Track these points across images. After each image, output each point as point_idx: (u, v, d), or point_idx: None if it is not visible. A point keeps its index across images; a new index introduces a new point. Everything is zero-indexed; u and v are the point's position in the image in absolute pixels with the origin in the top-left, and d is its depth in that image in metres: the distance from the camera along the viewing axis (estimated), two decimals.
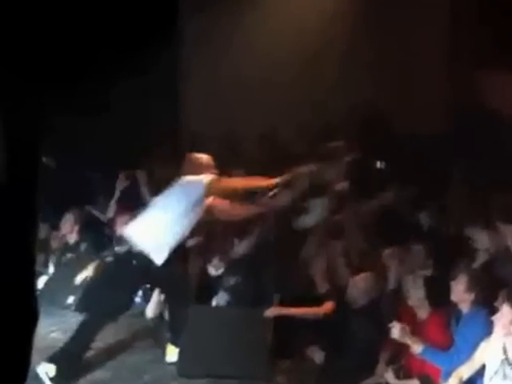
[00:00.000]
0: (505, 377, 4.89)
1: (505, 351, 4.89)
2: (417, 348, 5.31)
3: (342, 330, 5.94)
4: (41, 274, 7.31)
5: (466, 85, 9.34)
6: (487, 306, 5.22)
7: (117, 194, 8.01)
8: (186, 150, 6.77)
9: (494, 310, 5.05)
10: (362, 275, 6.17)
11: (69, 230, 7.82)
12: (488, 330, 5.04)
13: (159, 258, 5.79)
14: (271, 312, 6.18)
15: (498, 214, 6.38)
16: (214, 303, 6.85)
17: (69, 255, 7.72)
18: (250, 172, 6.87)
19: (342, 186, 7.46)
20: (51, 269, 7.72)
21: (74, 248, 7.76)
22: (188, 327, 6.06)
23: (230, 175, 6.56)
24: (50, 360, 5.61)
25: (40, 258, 7.28)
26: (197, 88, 10.27)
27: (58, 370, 5.59)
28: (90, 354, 6.06)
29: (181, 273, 6.47)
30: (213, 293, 6.92)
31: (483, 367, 5.01)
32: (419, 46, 9.59)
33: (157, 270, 5.92)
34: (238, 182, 6.19)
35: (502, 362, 4.89)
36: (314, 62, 9.82)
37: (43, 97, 2.38)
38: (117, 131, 8.58)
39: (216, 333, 6.04)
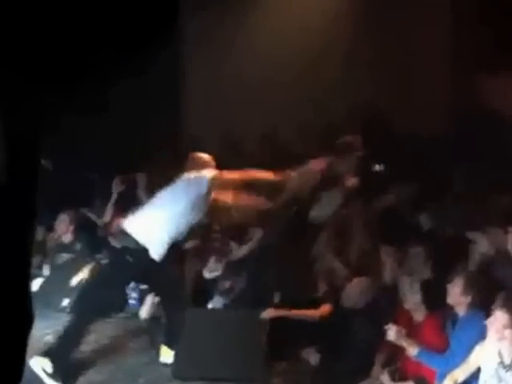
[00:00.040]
0: (500, 380, 4.89)
1: (500, 355, 4.89)
2: (412, 350, 5.31)
3: (338, 331, 5.94)
4: (36, 276, 7.29)
5: (467, 85, 9.33)
6: (484, 309, 5.22)
7: (114, 197, 8.01)
8: (186, 150, 6.76)
9: (490, 314, 5.04)
10: (357, 280, 6.18)
11: (64, 231, 7.81)
12: (484, 334, 5.02)
13: (157, 253, 5.78)
14: (267, 314, 6.19)
15: (498, 217, 6.39)
16: (210, 306, 6.86)
17: (64, 255, 7.71)
18: None
19: (353, 181, 7.49)
20: (46, 271, 7.71)
21: (69, 248, 7.75)
22: (183, 329, 6.06)
23: None
24: (45, 354, 5.61)
25: (35, 259, 7.26)
26: (197, 87, 10.28)
27: (54, 366, 5.59)
28: (84, 356, 6.07)
29: (176, 275, 6.48)
30: (209, 296, 6.94)
31: (478, 370, 5.01)
32: (420, 46, 9.58)
33: (152, 272, 5.93)
34: (241, 175, 6.16)
35: (498, 365, 4.89)
36: (315, 61, 9.81)
37: (43, 97, 2.38)
38: (116, 132, 8.57)
39: (211, 335, 6.04)
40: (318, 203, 7.43)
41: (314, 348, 6.12)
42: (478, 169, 7.56)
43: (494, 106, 8.75)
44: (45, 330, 6.39)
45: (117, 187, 8.00)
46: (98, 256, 7.56)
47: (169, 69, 9.45)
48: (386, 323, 5.43)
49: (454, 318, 5.45)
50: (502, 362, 4.88)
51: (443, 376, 5.14)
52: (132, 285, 7.11)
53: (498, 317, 4.86)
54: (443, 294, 5.40)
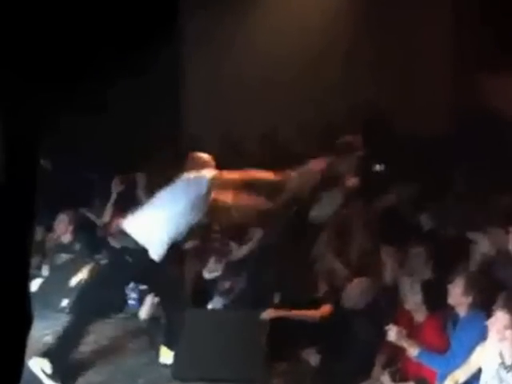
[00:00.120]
0: (501, 381, 4.87)
1: (501, 355, 4.87)
2: (413, 351, 5.29)
3: (338, 332, 5.92)
4: (35, 276, 7.27)
5: (468, 85, 9.32)
6: (485, 309, 5.20)
7: (113, 197, 7.99)
8: (186, 150, 6.74)
9: (491, 314, 5.03)
10: (357, 280, 6.17)
11: (63, 231, 7.79)
12: (485, 334, 5.01)
13: (157, 254, 5.76)
14: (267, 314, 6.17)
15: (499, 217, 6.37)
16: (209, 306, 6.84)
17: (63, 256, 7.69)
18: None
19: (353, 181, 7.49)
20: (45, 271, 7.69)
21: (68, 248, 7.73)
22: (183, 330, 6.04)
23: None
24: (44, 355, 5.60)
25: (34, 260, 7.25)
26: (197, 87, 10.27)
27: (54, 367, 5.58)
28: (84, 356, 6.06)
29: (176, 275, 6.47)
30: (209, 296, 6.93)
31: (479, 371, 5.00)
32: (421, 46, 9.58)
33: (152, 272, 5.92)
34: (241, 175, 6.14)
35: (499, 366, 4.88)
36: (315, 61, 9.80)
37: (42, 97, 2.37)
38: (115, 132, 8.56)
39: (211, 336, 6.02)
40: (319, 203, 7.43)
41: (314, 349, 6.10)
42: (479, 169, 7.55)
43: (495, 106, 8.74)
44: (44, 331, 6.38)
45: (116, 187, 7.98)
46: (98, 256, 7.54)
47: (169, 68, 9.45)
48: (387, 324, 5.41)
49: (455, 319, 5.43)
50: (503, 363, 4.86)
51: (444, 377, 5.12)
52: (131, 285, 7.10)
53: (499, 317, 4.84)
54: (444, 294, 5.38)
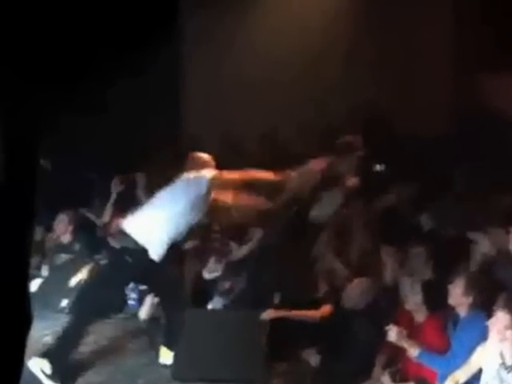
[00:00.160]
0: (501, 381, 4.86)
1: (501, 356, 4.87)
2: (413, 351, 5.28)
3: (338, 332, 5.91)
4: (34, 276, 7.25)
5: (468, 85, 9.31)
6: (485, 309, 5.19)
7: (113, 197, 7.99)
8: (186, 150, 6.74)
9: (492, 314, 5.02)
10: (357, 281, 6.16)
11: (63, 231, 7.78)
12: (485, 335, 5.00)
13: (157, 254, 5.75)
14: (268, 315, 6.15)
15: (500, 217, 6.36)
16: (209, 306, 6.84)
17: (63, 256, 7.68)
18: None
19: (353, 181, 7.50)
20: (45, 271, 7.67)
21: (67, 248, 7.72)
22: (183, 330, 6.03)
23: None
24: (43, 355, 5.59)
25: (34, 260, 7.24)
26: (197, 87, 10.26)
27: (53, 367, 5.58)
28: (83, 357, 6.05)
29: (176, 275, 6.46)
30: (209, 296, 6.92)
31: (480, 371, 4.99)
32: (421, 45, 9.57)
33: (152, 272, 5.91)
34: (241, 175, 6.14)
35: (499, 366, 4.87)
36: (315, 61, 9.79)
37: (42, 97, 2.36)
38: (115, 132, 8.54)
39: (211, 336, 6.01)
40: (319, 203, 7.43)
41: (314, 349, 6.10)
42: (480, 169, 7.54)
43: (496, 106, 8.72)
44: (43, 331, 6.37)
45: (116, 187, 7.98)
46: (97, 257, 7.53)
47: (168, 68, 9.44)
48: (387, 324, 5.40)
49: (456, 319, 5.42)
50: (503, 363, 4.86)
51: (444, 377, 5.11)
52: (131, 285, 7.10)
53: (500, 318, 4.84)
54: (444, 294, 5.38)
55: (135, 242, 5.76)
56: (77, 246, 7.71)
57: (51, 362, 5.60)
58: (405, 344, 5.32)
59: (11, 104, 2.20)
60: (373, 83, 9.49)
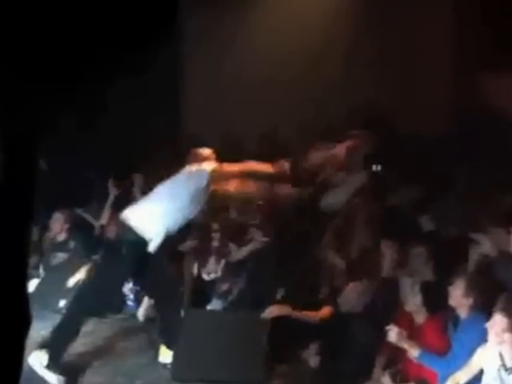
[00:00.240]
0: (502, 382, 4.85)
1: (501, 357, 4.86)
2: (414, 352, 5.27)
3: (338, 333, 5.90)
4: (32, 276, 7.23)
5: (469, 85, 9.30)
6: (486, 311, 5.18)
7: (111, 198, 7.99)
8: (185, 150, 6.73)
9: (492, 316, 5.01)
10: (352, 284, 6.15)
11: (59, 230, 7.78)
12: (485, 336, 4.98)
13: (152, 245, 5.76)
14: (269, 313, 6.14)
15: (501, 217, 6.35)
16: (208, 308, 6.83)
17: (59, 255, 7.67)
18: None
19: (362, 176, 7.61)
20: (42, 271, 7.65)
21: (63, 247, 7.71)
22: (182, 331, 6.02)
23: None
24: (41, 346, 5.62)
25: (31, 259, 7.22)
26: (197, 86, 10.25)
27: (51, 357, 5.60)
28: (82, 357, 6.04)
29: (171, 277, 6.46)
30: (207, 298, 6.91)
31: (480, 372, 4.97)
32: (422, 45, 9.56)
33: (146, 272, 5.94)
34: (241, 167, 6.17)
35: (499, 367, 4.86)
36: (315, 60, 9.78)
37: (41, 97, 2.36)
38: (114, 131, 8.53)
39: (211, 337, 5.99)
40: (333, 191, 7.52)
41: (314, 350, 6.08)
42: (481, 169, 7.52)
43: (496, 105, 8.71)
44: (41, 331, 6.34)
45: (113, 189, 8.01)
46: (95, 257, 7.52)
47: (168, 67, 9.44)
48: (387, 324, 5.39)
49: (456, 320, 5.41)
50: (503, 365, 4.84)
51: (445, 378, 5.10)
52: (129, 286, 7.10)
53: (497, 320, 4.82)
54: (444, 295, 5.36)
55: (132, 235, 5.77)
56: (72, 245, 7.71)
57: (48, 353, 5.62)
58: (405, 345, 5.30)
59: (10, 104, 2.19)
60: (373, 83, 9.49)
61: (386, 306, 5.91)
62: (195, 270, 7.16)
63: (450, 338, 5.41)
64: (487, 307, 5.15)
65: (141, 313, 7.05)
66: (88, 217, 8.23)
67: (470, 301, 5.29)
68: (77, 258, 7.60)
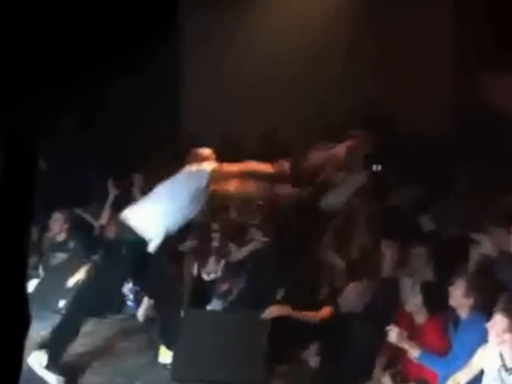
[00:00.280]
0: (503, 383, 4.84)
1: (502, 358, 4.84)
2: (414, 353, 5.26)
3: (338, 334, 5.89)
4: (31, 276, 7.23)
5: (470, 84, 9.30)
6: (486, 311, 5.16)
7: (111, 198, 7.99)
8: (185, 150, 6.73)
9: (492, 316, 5.00)
10: (352, 285, 6.14)
11: (58, 230, 7.77)
12: (486, 336, 4.97)
13: (152, 245, 5.76)
14: (270, 313, 6.12)
15: (502, 217, 6.34)
16: (209, 307, 6.83)
17: (59, 255, 7.66)
18: None
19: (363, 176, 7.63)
20: (42, 272, 7.64)
21: (63, 247, 7.70)
22: (182, 331, 6.00)
23: None
24: (40, 347, 5.61)
25: (31, 260, 7.21)
26: (197, 86, 10.24)
27: (50, 357, 5.59)
28: (82, 358, 6.04)
29: (171, 277, 6.46)
30: (207, 298, 6.90)
31: (481, 373, 4.96)
32: (423, 44, 9.55)
33: (146, 272, 5.93)
34: (241, 167, 6.19)
35: (500, 368, 4.85)
36: (316, 59, 9.78)
37: (41, 97, 2.35)
38: (113, 132, 8.52)
39: (211, 337, 5.98)
40: (333, 190, 7.53)
41: (314, 350, 6.07)
42: (481, 168, 7.51)
43: (498, 105, 8.70)
44: (41, 332, 6.33)
45: (113, 189, 8.01)
46: (95, 257, 7.51)
47: (168, 67, 9.42)
48: (387, 325, 5.37)
49: (456, 321, 5.40)
50: (504, 365, 4.83)
51: (445, 379, 5.09)
52: (130, 286, 7.10)
53: (498, 321, 4.81)
54: (445, 296, 5.35)
55: (132, 235, 5.76)
56: (72, 245, 7.70)
57: (48, 353, 5.62)
58: (405, 345, 5.29)
59: (10, 103, 2.18)
60: (373, 82, 9.49)
61: (386, 307, 5.90)
62: (195, 271, 7.16)
63: (450, 338, 5.40)
64: (488, 307, 5.14)
65: (140, 313, 7.04)
66: (87, 217, 8.22)
67: (471, 301, 5.28)
68: (76, 258, 7.59)
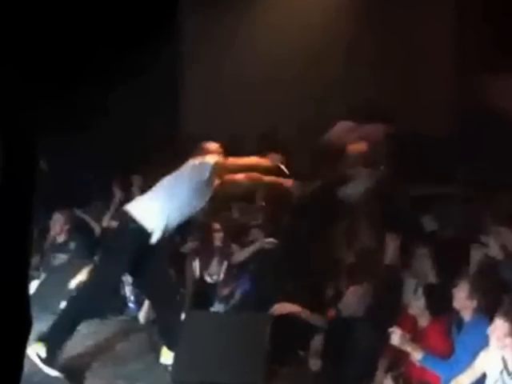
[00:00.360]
0: None
1: (504, 361, 4.82)
2: (417, 355, 5.23)
3: (340, 336, 5.87)
4: (32, 277, 7.17)
5: (471, 84, 9.29)
6: (490, 313, 5.13)
7: (116, 200, 7.99)
8: (185, 150, 6.72)
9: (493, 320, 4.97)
10: (352, 288, 6.12)
11: (58, 231, 7.76)
12: (489, 339, 4.96)
13: (153, 237, 5.75)
14: (281, 308, 6.10)
15: (505, 217, 6.32)
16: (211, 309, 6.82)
17: (60, 256, 7.64)
18: None
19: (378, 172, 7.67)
20: (43, 273, 7.59)
21: (64, 248, 7.69)
22: (183, 333, 5.98)
23: None
24: (39, 339, 5.60)
25: (31, 261, 7.18)
26: (197, 86, 10.23)
27: (48, 351, 5.58)
28: (83, 360, 6.02)
29: (170, 278, 6.45)
30: (209, 301, 6.88)
31: (483, 376, 4.94)
32: (423, 44, 9.55)
33: (146, 272, 5.93)
34: (245, 161, 6.24)
35: (501, 371, 4.82)
36: (316, 59, 9.78)
37: (41, 97, 2.33)
38: (113, 132, 8.50)
39: (212, 338, 5.95)
40: (353, 181, 7.56)
41: (316, 353, 6.04)
42: (483, 168, 7.50)
43: (498, 105, 8.69)
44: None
45: (118, 191, 8.02)
46: (96, 258, 7.48)
47: (168, 67, 9.41)
48: (390, 327, 5.34)
49: (460, 323, 5.37)
50: (506, 369, 4.80)
51: (448, 381, 5.06)
52: (131, 288, 7.08)
53: (499, 325, 4.78)
54: (448, 298, 5.32)
55: (133, 223, 5.75)
56: (72, 246, 7.69)
57: (46, 346, 5.61)
58: (408, 348, 5.26)
59: (10, 104, 2.17)
60: (374, 82, 9.49)
61: (388, 309, 5.88)
62: (197, 272, 7.13)
63: (453, 340, 5.37)
64: (491, 310, 5.11)
65: (142, 315, 7.02)
66: (87, 218, 8.20)
67: (474, 303, 5.25)
68: (77, 259, 7.58)
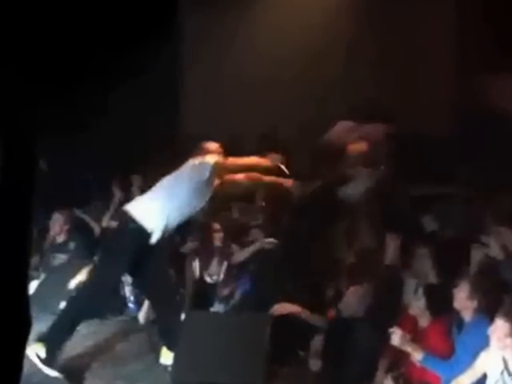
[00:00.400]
0: None
1: (504, 362, 4.81)
2: (417, 356, 5.22)
3: (341, 336, 5.87)
4: (32, 278, 7.17)
5: (471, 84, 9.29)
6: (490, 314, 5.13)
7: (116, 200, 7.98)
8: (185, 150, 6.72)
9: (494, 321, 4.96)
10: (352, 289, 6.12)
11: (58, 231, 7.76)
12: (489, 339, 4.95)
13: (153, 237, 5.75)
14: (281, 308, 6.10)
15: (506, 217, 6.32)
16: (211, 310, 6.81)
17: (59, 256, 7.64)
18: None
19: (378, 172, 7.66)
20: (42, 273, 7.59)
21: (63, 248, 7.68)
22: (183, 333, 5.97)
23: None
24: (38, 339, 5.59)
25: (31, 261, 7.17)
26: (197, 86, 10.23)
27: (48, 351, 5.58)
28: (83, 360, 6.01)
29: (170, 278, 6.44)
30: (209, 301, 6.88)
31: (484, 376, 4.93)
32: (424, 44, 9.55)
33: (146, 272, 5.91)
34: (245, 161, 6.24)
35: (502, 372, 4.81)
36: (316, 59, 9.78)
37: (41, 97, 2.33)
38: (113, 132, 8.50)
39: (212, 339, 5.94)
40: (353, 181, 7.56)
41: (316, 353, 6.04)
42: (483, 168, 7.50)
43: (499, 105, 8.69)
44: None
45: (118, 191, 8.02)
46: (96, 258, 7.48)
47: (168, 67, 9.41)
48: (390, 327, 5.34)
49: (460, 323, 5.36)
50: (507, 369, 4.80)
51: (448, 382, 5.06)
52: (131, 288, 7.08)
53: (499, 326, 4.77)
54: (449, 298, 5.32)
55: (133, 223, 5.74)
56: (72, 246, 7.69)
57: (46, 346, 5.61)
58: (408, 348, 5.25)
59: (10, 104, 2.16)
60: (374, 82, 9.48)
61: (389, 309, 5.87)
62: (197, 272, 7.13)
63: (454, 341, 5.36)
64: (491, 310, 5.10)
65: (142, 315, 7.02)
66: (87, 218, 8.20)
67: (475, 303, 5.24)
68: (77, 259, 7.58)
